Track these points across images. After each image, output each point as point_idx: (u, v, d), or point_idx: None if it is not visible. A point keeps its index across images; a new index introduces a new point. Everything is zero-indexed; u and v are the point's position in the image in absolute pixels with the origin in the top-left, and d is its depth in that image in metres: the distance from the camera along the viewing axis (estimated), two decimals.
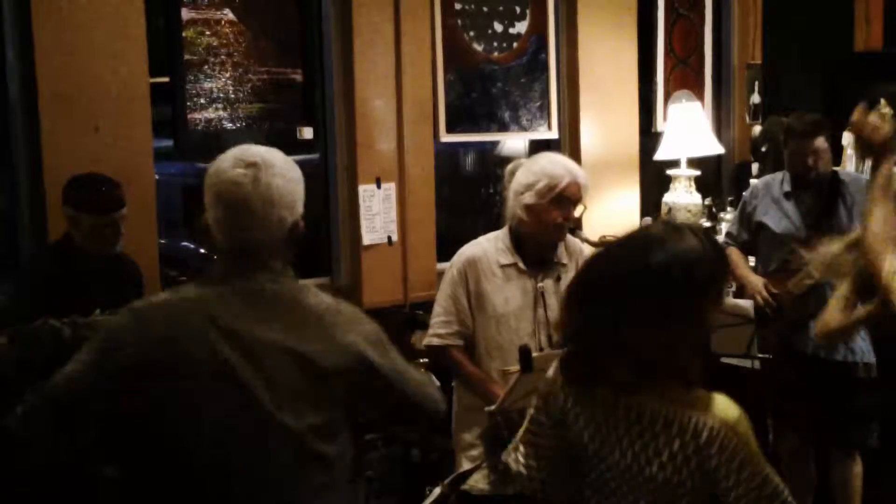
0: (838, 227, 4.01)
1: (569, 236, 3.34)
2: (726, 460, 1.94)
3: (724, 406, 1.98)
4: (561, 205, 3.22)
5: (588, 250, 3.45)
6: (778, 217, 4.14)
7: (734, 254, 4.34)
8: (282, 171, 2.07)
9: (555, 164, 3.28)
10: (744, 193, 4.57)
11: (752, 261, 4.39)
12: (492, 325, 3.28)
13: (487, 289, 3.28)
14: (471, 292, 3.30)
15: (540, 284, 3.29)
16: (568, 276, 3.35)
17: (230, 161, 2.06)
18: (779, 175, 4.26)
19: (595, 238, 3.34)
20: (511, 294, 3.28)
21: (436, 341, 3.35)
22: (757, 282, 4.10)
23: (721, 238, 4.80)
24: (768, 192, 4.22)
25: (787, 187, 4.15)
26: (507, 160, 5.43)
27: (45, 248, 3.73)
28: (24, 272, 3.90)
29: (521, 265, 3.29)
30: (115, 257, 3.53)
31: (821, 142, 4.00)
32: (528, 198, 3.22)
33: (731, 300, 4.09)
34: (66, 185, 3.48)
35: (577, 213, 3.28)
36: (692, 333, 2.00)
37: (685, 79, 6.17)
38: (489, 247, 3.34)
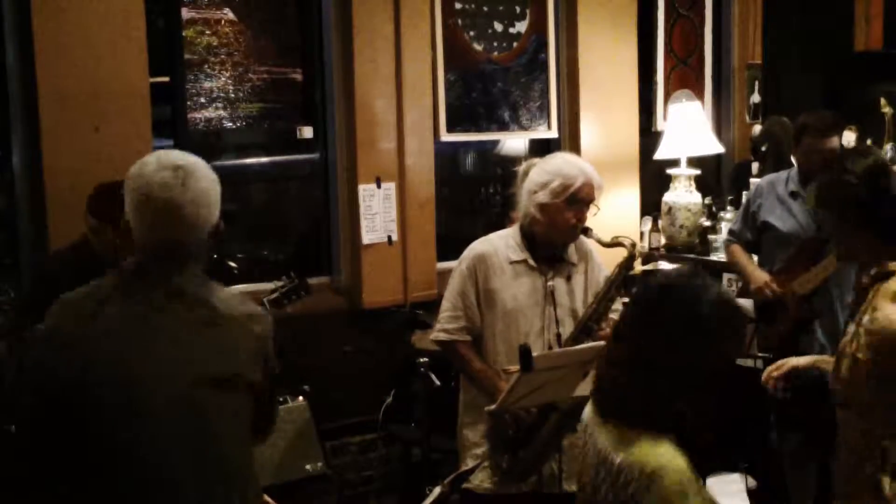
0: None
1: (581, 237, 3.34)
2: None
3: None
4: (574, 205, 3.22)
5: (598, 252, 3.44)
6: (784, 216, 4.13)
7: (737, 250, 4.33)
8: (205, 174, 2.14)
9: (570, 164, 3.28)
10: (745, 192, 4.57)
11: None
12: (500, 322, 3.28)
13: (497, 285, 3.28)
14: (480, 288, 3.30)
15: (550, 283, 3.28)
16: (579, 276, 3.34)
17: (154, 165, 2.11)
18: (783, 174, 4.25)
19: (607, 239, 3.33)
20: (520, 291, 3.28)
21: (443, 336, 3.35)
22: (761, 277, 4.09)
23: (722, 236, 4.80)
24: (773, 190, 4.20)
25: (792, 186, 4.14)
26: (507, 160, 5.44)
27: (57, 253, 3.66)
28: (32, 276, 3.88)
29: (531, 262, 3.29)
30: None
31: (836, 141, 3.99)
32: (542, 197, 3.22)
33: None
34: (92, 193, 3.42)
35: (590, 214, 3.28)
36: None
37: (685, 79, 6.17)
38: (500, 244, 3.34)
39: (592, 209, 3.29)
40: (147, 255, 2.13)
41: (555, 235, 3.27)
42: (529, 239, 3.31)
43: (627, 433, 1.99)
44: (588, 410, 2.17)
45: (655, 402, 1.97)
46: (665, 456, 1.94)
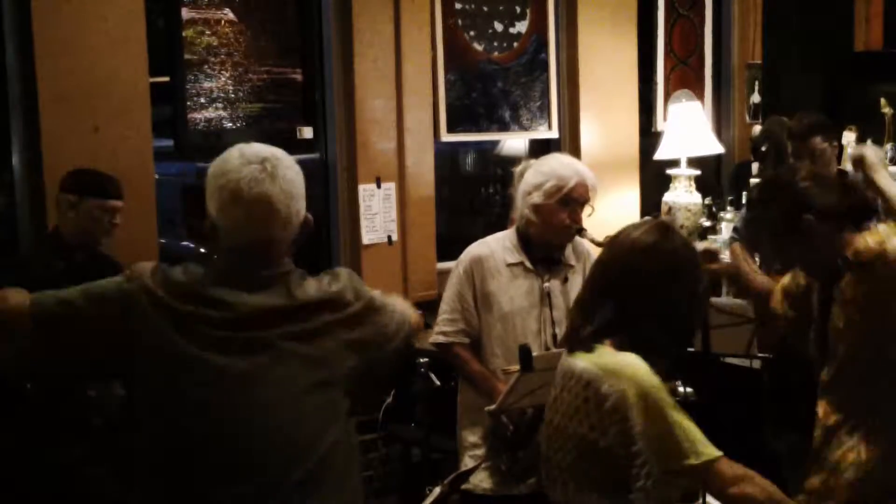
0: None
1: (577, 238, 3.34)
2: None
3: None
4: (569, 206, 3.22)
5: (595, 252, 3.44)
6: None
7: (738, 249, 4.33)
8: (290, 164, 2.07)
9: (564, 165, 3.28)
10: (745, 192, 4.56)
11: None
12: (497, 324, 3.28)
13: (493, 288, 3.29)
14: (477, 291, 3.30)
15: (546, 284, 3.29)
16: (575, 277, 3.34)
17: (238, 160, 2.02)
18: None
19: (601, 238, 3.32)
20: (517, 293, 3.28)
21: (441, 339, 3.35)
22: (763, 281, 4.09)
23: (727, 234, 4.80)
24: None
25: None
26: (507, 160, 5.44)
27: (30, 247, 3.75)
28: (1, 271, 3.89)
29: (527, 264, 3.29)
30: (98, 255, 3.53)
31: (818, 142, 4.01)
32: (537, 198, 3.22)
33: (731, 300, 4.08)
34: (65, 176, 3.51)
35: (585, 215, 3.28)
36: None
37: (685, 79, 6.18)
38: (496, 246, 3.34)
39: (587, 210, 3.29)
40: (240, 255, 2.03)
41: (550, 236, 3.27)
42: (525, 241, 3.31)
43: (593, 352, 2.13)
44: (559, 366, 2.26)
45: (624, 325, 2.13)
46: (630, 357, 2.08)
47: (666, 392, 2.05)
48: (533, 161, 3.43)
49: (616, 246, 2.24)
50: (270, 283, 2.03)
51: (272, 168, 2.02)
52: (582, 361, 2.11)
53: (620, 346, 2.11)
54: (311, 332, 2.02)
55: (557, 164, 3.29)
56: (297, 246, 2.13)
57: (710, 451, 2.02)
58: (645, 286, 2.14)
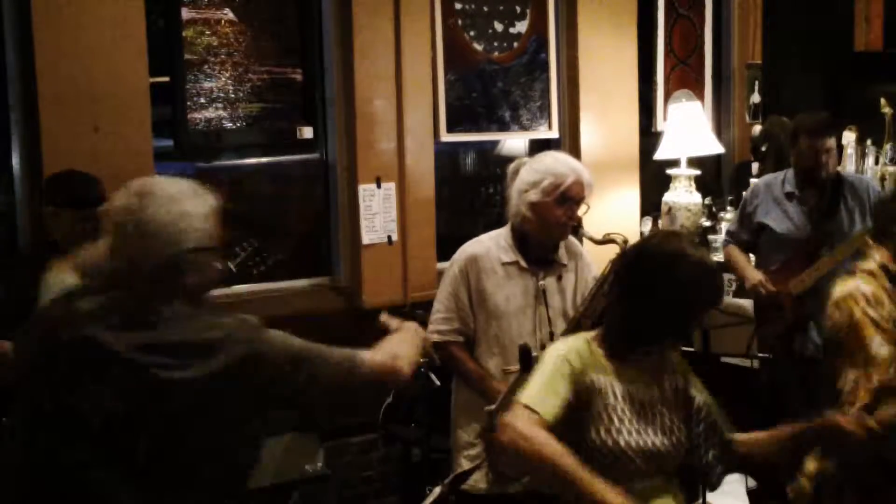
0: (840, 229, 4.00)
1: (570, 237, 3.34)
2: None
3: None
4: (565, 203, 3.22)
5: (588, 252, 3.44)
6: (780, 218, 4.13)
7: (734, 251, 4.33)
8: (165, 203, 2.09)
9: (560, 163, 3.28)
10: (744, 193, 4.56)
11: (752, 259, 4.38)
12: (493, 323, 3.28)
13: (488, 287, 3.29)
14: (472, 290, 3.30)
15: (541, 283, 3.29)
16: (569, 276, 3.34)
17: (126, 190, 2.13)
18: (780, 175, 4.25)
19: (599, 236, 3.32)
20: (512, 292, 3.28)
21: (436, 338, 3.35)
22: (756, 275, 4.09)
23: (722, 236, 4.80)
24: (770, 192, 4.21)
25: (788, 187, 4.14)
26: (507, 160, 5.42)
27: (24, 251, 3.72)
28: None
29: (522, 263, 3.29)
30: None
31: (832, 141, 4.00)
32: (533, 196, 3.22)
33: (731, 300, 4.09)
34: (44, 183, 3.50)
35: (580, 213, 3.28)
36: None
37: (685, 79, 6.17)
38: (491, 244, 3.34)
39: (582, 208, 3.29)
40: (114, 276, 2.12)
41: (546, 234, 3.27)
42: (520, 239, 3.31)
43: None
44: None
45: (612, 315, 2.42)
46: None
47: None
48: (527, 159, 3.42)
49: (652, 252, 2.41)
50: None
51: (141, 201, 2.10)
52: None
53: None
54: None
55: (553, 162, 3.29)
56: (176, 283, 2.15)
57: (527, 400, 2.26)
58: (627, 281, 2.40)
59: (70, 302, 2.15)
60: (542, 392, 2.27)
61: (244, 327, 2.13)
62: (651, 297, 2.32)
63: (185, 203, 2.11)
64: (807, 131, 4.00)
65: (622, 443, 2.30)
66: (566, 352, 2.35)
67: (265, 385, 2.13)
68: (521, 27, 5.37)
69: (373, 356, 2.32)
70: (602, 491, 2.14)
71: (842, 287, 2.70)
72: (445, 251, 4.88)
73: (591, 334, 2.43)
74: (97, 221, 3.36)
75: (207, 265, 2.16)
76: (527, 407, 2.23)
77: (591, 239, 3.31)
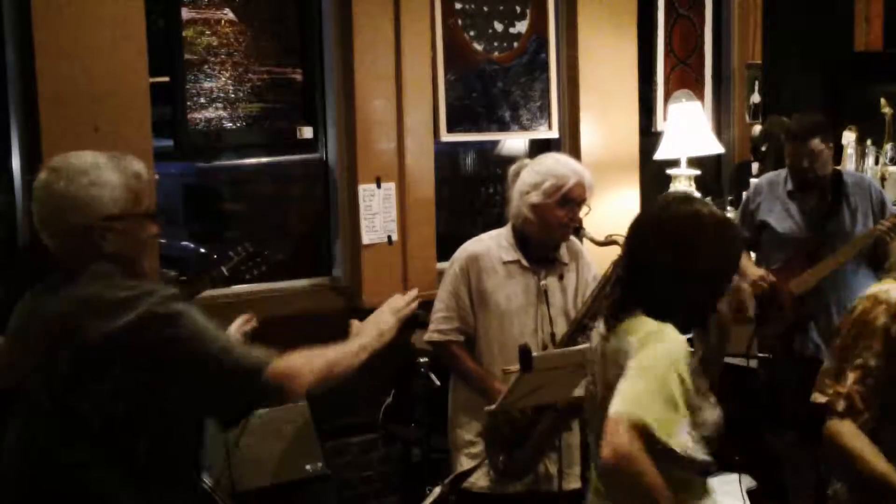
0: (841, 229, 4.00)
1: (571, 237, 3.34)
2: None
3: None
4: (567, 205, 3.23)
5: (589, 251, 3.45)
6: (781, 217, 4.13)
7: None
8: (75, 175, 2.18)
9: (561, 165, 3.29)
10: (745, 192, 4.56)
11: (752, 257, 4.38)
12: (494, 322, 3.28)
13: (489, 286, 3.29)
14: (472, 289, 3.30)
15: (543, 282, 3.29)
16: (570, 275, 3.35)
17: (44, 166, 2.24)
18: (782, 173, 4.25)
19: (601, 237, 3.33)
20: (513, 291, 3.28)
21: (436, 337, 3.35)
22: (756, 271, 4.09)
23: None
24: (772, 190, 4.20)
25: (790, 186, 4.14)
26: (507, 160, 5.44)
27: (23, 248, 3.70)
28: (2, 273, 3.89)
29: (523, 262, 3.29)
30: None
31: (816, 143, 3.99)
32: (534, 197, 3.22)
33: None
34: None
35: (581, 214, 3.28)
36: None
37: (685, 79, 6.17)
38: (492, 244, 3.34)
39: (584, 209, 3.29)
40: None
41: (547, 235, 3.28)
42: (521, 239, 3.31)
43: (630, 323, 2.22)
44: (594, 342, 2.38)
45: (659, 295, 2.21)
46: (666, 326, 2.16)
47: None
48: (528, 160, 3.43)
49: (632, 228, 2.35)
50: None
51: (51, 176, 2.21)
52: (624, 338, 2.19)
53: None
54: None
55: (555, 164, 3.29)
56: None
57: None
58: (656, 258, 2.23)
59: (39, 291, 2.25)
60: (663, 410, 2.03)
61: (160, 292, 2.12)
62: (698, 270, 2.20)
63: (95, 174, 2.20)
64: (790, 136, 4.03)
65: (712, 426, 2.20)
66: (677, 355, 2.12)
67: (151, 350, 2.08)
68: (521, 27, 5.37)
69: (278, 364, 2.16)
70: None
71: (880, 287, 2.62)
72: (445, 251, 4.88)
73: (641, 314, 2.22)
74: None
75: (128, 233, 2.19)
76: (644, 427, 2.01)
77: (593, 240, 3.31)
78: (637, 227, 2.34)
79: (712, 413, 2.20)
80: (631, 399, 2.04)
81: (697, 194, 5.49)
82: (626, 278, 2.31)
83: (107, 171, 2.22)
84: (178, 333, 2.07)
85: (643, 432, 1.99)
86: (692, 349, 2.27)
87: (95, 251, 2.16)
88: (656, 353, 2.10)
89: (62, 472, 2.12)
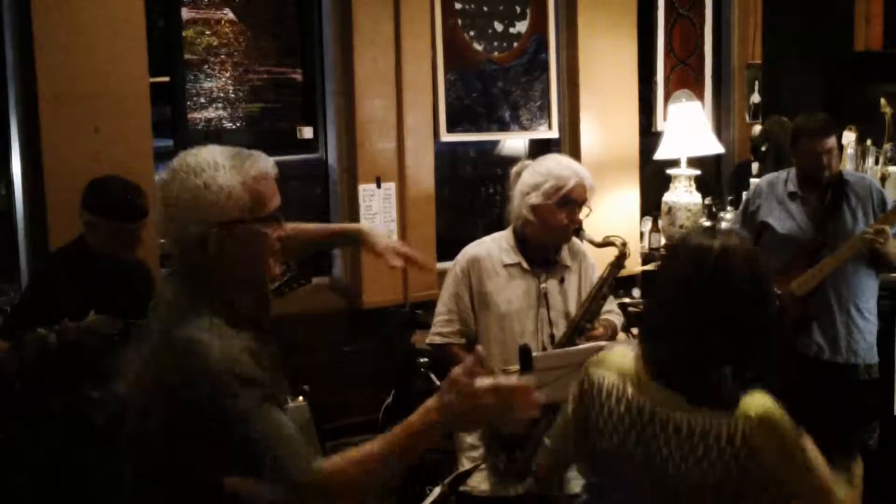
0: (843, 229, 3.99)
1: (573, 238, 3.34)
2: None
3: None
4: (567, 206, 3.22)
5: (591, 253, 3.44)
6: (782, 217, 4.12)
7: None
8: (185, 177, 1.95)
9: (561, 166, 3.29)
10: (745, 193, 4.56)
11: None
12: (494, 325, 3.28)
13: (490, 288, 3.29)
14: (474, 291, 3.31)
15: (543, 285, 3.29)
16: (572, 278, 3.34)
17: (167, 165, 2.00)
18: (783, 174, 4.24)
19: (599, 239, 3.33)
20: (514, 294, 3.28)
21: (438, 339, 3.36)
22: None
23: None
24: (772, 191, 4.19)
25: (791, 187, 4.13)
26: (507, 160, 5.44)
27: (56, 252, 3.59)
28: (31, 276, 3.88)
29: (524, 265, 3.29)
30: (122, 262, 3.40)
31: (833, 141, 3.98)
32: (535, 198, 3.22)
33: None
34: (85, 189, 3.33)
35: (582, 215, 3.28)
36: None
37: (685, 79, 6.17)
38: (493, 246, 3.34)
39: (584, 210, 3.29)
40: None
41: (547, 237, 3.28)
42: (522, 241, 3.31)
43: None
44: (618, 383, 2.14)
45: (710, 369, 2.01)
46: (761, 399, 2.02)
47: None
48: (529, 161, 3.43)
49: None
50: None
51: (167, 177, 1.99)
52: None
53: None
54: None
55: (555, 165, 3.29)
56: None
57: None
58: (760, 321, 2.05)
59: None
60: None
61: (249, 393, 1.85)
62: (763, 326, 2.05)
63: (210, 175, 1.95)
64: (807, 133, 3.98)
65: None
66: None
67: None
68: (521, 27, 5.37)
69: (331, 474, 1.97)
70: None
71: None
72: (445, 251, 4.89)
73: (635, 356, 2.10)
74: (137, 234, 3.25)
75: (248, 239, 1.94)
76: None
77: (591, 241, 3.31)
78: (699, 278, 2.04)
79: None
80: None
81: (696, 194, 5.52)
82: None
83: (224, 171, 1.95)
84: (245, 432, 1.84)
85: None
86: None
87: (209, 261, 1.91)
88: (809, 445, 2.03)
89: (69, 472, 2.13)
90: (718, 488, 1.99)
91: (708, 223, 5.56)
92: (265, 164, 1.99)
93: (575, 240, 3.35)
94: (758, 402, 2.03)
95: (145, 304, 2.07)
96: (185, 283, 1.94)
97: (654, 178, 5.78)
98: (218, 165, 1.96)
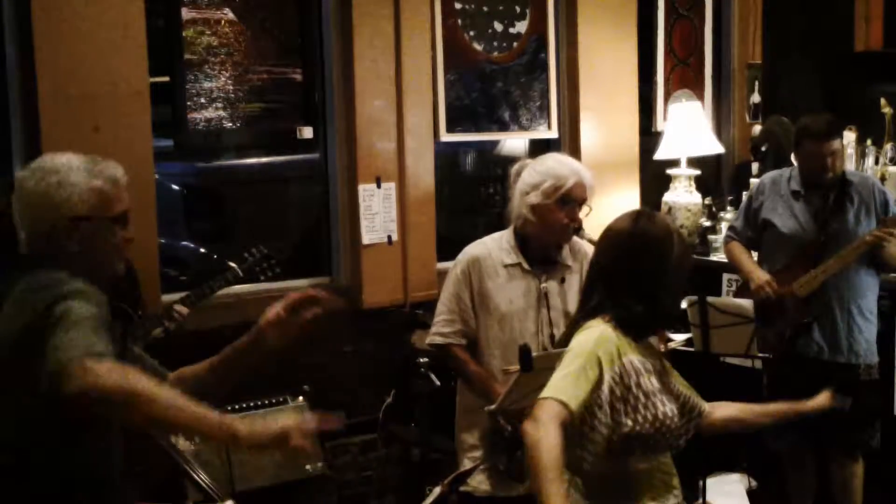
0: (845, 229, 3.99)
1: (574, 238, 3.34)
2: None
3: None
4: (567, 205, 3.22)
5: (591, 252, 3.44)
6: (786, 216, 4.11)
7: (738, 248, 4.31)
8: (46, 174, 2.22)
9: (561, 165, 3.28)
10: (745, 192, 4.55)
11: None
12: (495, 325, 3.28)
13: (491, 288, 3.29)
14: (474, 292, 3.30)
15: (543, 285, 3.29)
16: (573, 277, 3.34)
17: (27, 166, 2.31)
18: (786, 172, 4.23)
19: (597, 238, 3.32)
20: (514, 294, 3.28)
21: (439, 340, 3.35)
22: (762, 276, 4.07)
23: (722, 236, 4.79)
24: (776, 189, 4.18)
25: (794, 186, 4.12)
26: (507, 160, 5.44)
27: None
28: None
29: (524, 265, 3.29)
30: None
31: (837, 143, 3.97)
32: (534, 198, 3.22)
33: (731, 299, 4.08)
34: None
35: (582, 215, 3.28)
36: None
37: (685, 79, 6.17)
38: (493, 246, 3.34)
39: (584, 209, 3.29)
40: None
41: (547, 236, 3.27)
42: (522, 240, 3.31)
43: None
44: None
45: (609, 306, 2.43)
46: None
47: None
48: (529, 161, 3.43)
49: (600, 237, 2.53)
50: None
51: (25, 174, 2.27)
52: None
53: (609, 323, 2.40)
54: None
55: (555, 164, 3.29)
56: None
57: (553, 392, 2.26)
58: (621, 267, 2.42)
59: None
60: (571, 381, 2.28)
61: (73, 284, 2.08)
62: (663, 280, 2.40)
63: (65, 174, 2.23)
64: (811, 135, 3.96)
65: (660, 415, 2.36)
66: (598, 339, 2.36)
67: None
68: (521, 27, 5.37)
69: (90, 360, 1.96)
70: None
71: None
72: (445, 251, 4.89)
73: (604, 320, 2.43)
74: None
75: (94, 236, 2.22)
76: (553, 399, 2.24)
77: (591, 241, 3.31)
78: (611, 244, 2.49)
79: (664, 408, 2.38)
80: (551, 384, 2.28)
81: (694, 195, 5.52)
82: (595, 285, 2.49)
83: (77, 173, 2.24)
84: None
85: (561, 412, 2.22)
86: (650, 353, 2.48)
87: (59, 250, 2.20)
88: (577, 340, 2.39)
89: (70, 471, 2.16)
90: None
91: (708, 223, 5.56)
92: (115, 170, 2.32)
93: (576, 239, 3.35)
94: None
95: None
96: (37, 271, 2.15)
97: (654, 178, 5.78)
98: (72, 168, 2.26)
